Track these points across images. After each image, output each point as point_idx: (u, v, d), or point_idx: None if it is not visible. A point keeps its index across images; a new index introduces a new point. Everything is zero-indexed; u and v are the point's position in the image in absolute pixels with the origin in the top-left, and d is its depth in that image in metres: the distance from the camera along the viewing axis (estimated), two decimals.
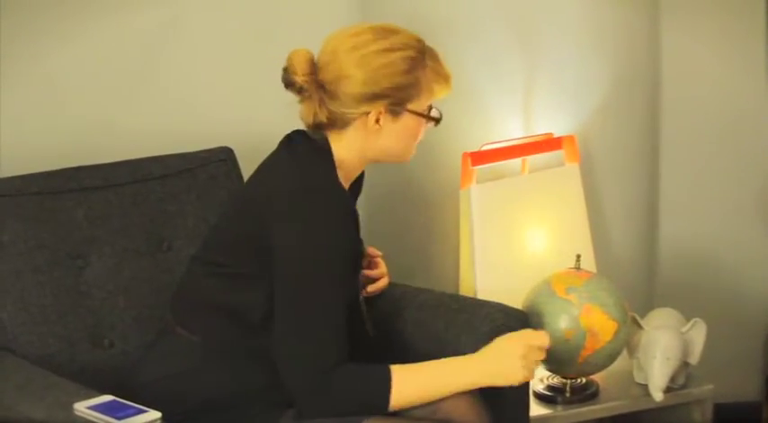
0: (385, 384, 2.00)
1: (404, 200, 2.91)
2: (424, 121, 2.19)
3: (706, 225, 3.22)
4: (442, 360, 2.08)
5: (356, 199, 2.33)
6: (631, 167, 3.11)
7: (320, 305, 2.02)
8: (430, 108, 2.20)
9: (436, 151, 2.83)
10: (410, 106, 2.14)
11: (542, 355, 2.11)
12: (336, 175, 2.13)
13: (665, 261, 3.20)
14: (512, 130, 2.95)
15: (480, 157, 2.75)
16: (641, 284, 3.16)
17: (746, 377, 3.19)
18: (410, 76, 2.13)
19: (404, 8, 2.86)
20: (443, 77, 2.20)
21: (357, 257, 2.21)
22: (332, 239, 2.04)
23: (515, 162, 2.90)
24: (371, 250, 2.38)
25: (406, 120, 2.16)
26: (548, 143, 2.89)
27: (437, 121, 2.21)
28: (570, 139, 2.91)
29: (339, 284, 2.05)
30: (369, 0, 2.86)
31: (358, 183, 2.32)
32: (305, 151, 2.15)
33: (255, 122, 2.66)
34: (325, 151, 2.14)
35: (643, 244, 3.16)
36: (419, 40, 2.17)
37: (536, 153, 2.87)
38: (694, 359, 2.62)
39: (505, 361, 2.06)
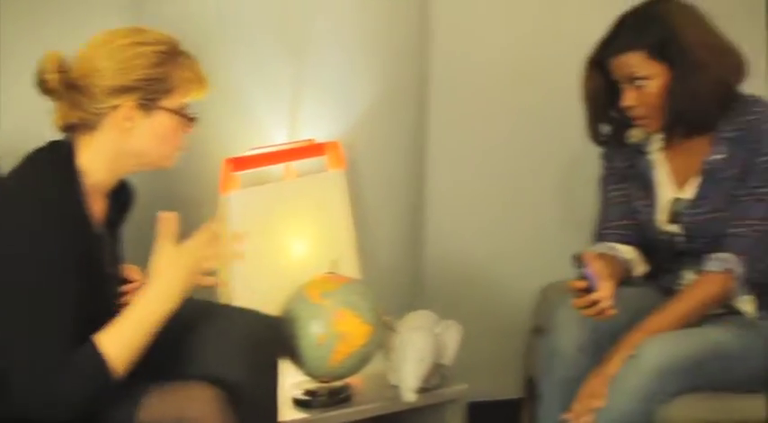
0: (97, 357, 2.02)
1: (166, 206, 2.87)
2: (179, 121, 2.18)
3: (470, 229, 3.30)
4: (132, 304, 2.11)
5: (123, 212, 2.32)
6: (398, 173, 3.17)
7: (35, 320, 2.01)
8: (185, 108, 2.19)
9: (199, 156, 2.82)
10: (163, 103, 2.14)
11: (215, 247, 2.18)
12: (71, 187, 2.10)
13: (430, 264, 3.27)
14: (277, 136, 2.97)
15: (241, 163, 2.75)
16: (407, 288, 3.23)
17: (509, 376, 3.29)
18: (161, 69, 2.13)
19: (175, 11, 2.84)
20: (198, 77, 2.20)
21: (96, 270, 2.18)
22: (36, 250, 2.01)
23: (279, 168, 2.91)
24: (131, 274, 2.37)
25: (160, 118, 2.15)
26: (311, 149, 2.92)
27: (192, 120, 2.21)
28: (334, 144, 2.94)
29: (55, 299, 2.03)
30: (140, 8, 2.83)
31: (123, 195, 2.30)
32: (41, 163, 2.12)
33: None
34: (67, 160, 2.12)
35: (408, 248, 3.23)
36: (172, 39, 2.18)
37: (298, 159, 2.89)
38: (448, 360, 2.68)
39: (180, 275, 2.13)
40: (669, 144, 2.61)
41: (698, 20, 2.52)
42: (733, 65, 2.53)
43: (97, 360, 2.03)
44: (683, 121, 2.51)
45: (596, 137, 2.67)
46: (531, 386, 2.59)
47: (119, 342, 2.06)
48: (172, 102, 2.16)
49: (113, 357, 2.04)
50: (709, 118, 2.51)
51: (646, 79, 2.49)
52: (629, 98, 2.52)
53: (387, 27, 3.07)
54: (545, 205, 3.31)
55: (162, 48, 2.14)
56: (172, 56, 2.16)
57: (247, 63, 2.93)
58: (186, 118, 2.20)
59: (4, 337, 2.01)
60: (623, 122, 2.64)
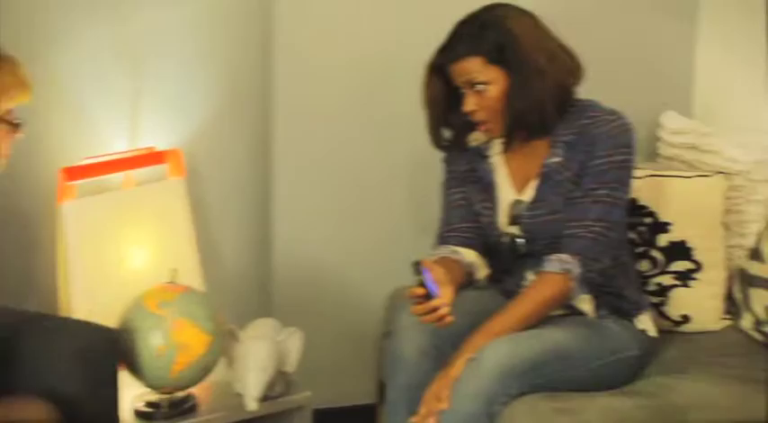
0: None
1: (1, 218, 2.82)
2: (4, 127, 2.13)
3: (319, 235, 3.29)
4: None
5: None
6: (242, 180, 3.16)
7: None
8: (10, 114, 2.14)
9: (36, 166, 2.76)
10: None
11: None
12: None
13: (278, 271, 3.25)
14: (117, 145, 2.92)
15: (77, 172, 2.70)
16: (254, 295, 3.21)
17: (362, 381, 3.29)
18: None
19: (12, 16, 2.78)
20: (21, 82, 2.16)
21: None
22: None
23: (120, 177, 2.86)
24: None
25: None
26: (150, 157, 2.87)
27: (17, 126, 2.16)
28: (174, 153, 2.91)
29: None
30: None
31: None
32: None
33: None
34: None
35: (255, 255, 3.21)
36: None
37: (137, 167, 2.85)
38: (291, 367, 2.67)
39: None
40: (509, 148, 2.65)
41: (535, 25, 2.56)
42: (570, 69, 2.58)
43: None
44: (523, 124, 2.55)
45: (438, 142, 2.70)
46: (383, 391, 2.59)
47: None
48: None
49: None
50: (548, 121, 2.56)
51: (485, 84, 2.52)
52: (469, 103, 2.55)
53: (226, 34, 3.06)
54: (394, 209, 3.32)
55: None
56: None
57: (86, 71, 2.88)
58: (11, 124, 2.15)
59: None
60: (464, 127, 2.67)
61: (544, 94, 2.52)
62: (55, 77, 2.84)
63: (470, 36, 2.52)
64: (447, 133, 2.70)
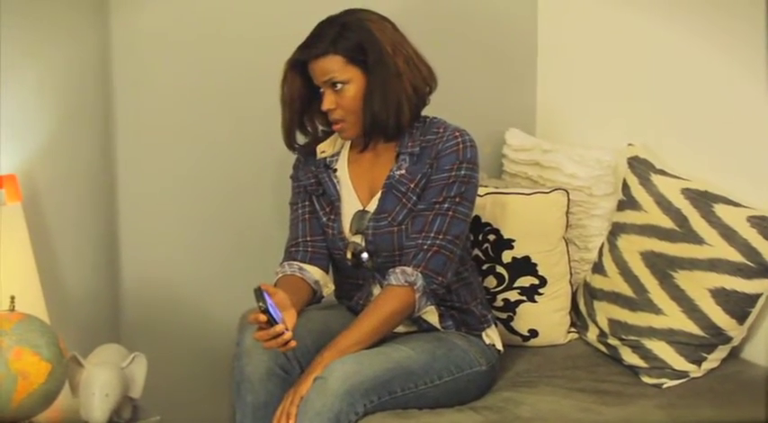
0: None
1: None
2: None
3: (170, 256, 3.25)
4: None
5: None
6: (85, 204, 3.08)
7: None
8: None
9: None
10: None
11: None
12: None
13: (128, 296, 3.20)
14: None
15: None
16: (102, 321, 3.14)
17: (215, 403, 3.24)
18: None
19: None
20: None
21: None
22: None
23: None
24: None
25: None
26: None
27: None
28: (11, 177, 2.82)
29: None
30: None
31: None
32: None
33: None
34: None
35: (102, 280, 3.14)
36: None
37: None
38: (136, 393, 2.62)
39: None
40: (358, 157, 2.69)
41: (394, 30, 2.63)
42: (425, 76, 2.64)
43: None
44: (380, 125, 2.59)
45: (291, 142, 2.72)
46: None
47: None
48: None
49: None
50: (404, 124, 2.61)
51: (344, 84, 2.57)
52: (328, 102, 2.59)
53: (62, 56, 2.98)
54: (243, 228, 3.29)
55: None
56: None
57: None
58: None
59: None
60: (316, 135, 2.72)
61: (401, 96, 2.58)
62: None
63: (332, 35, 2.57)
64: (301, 138, 2.72)
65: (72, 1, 3.02)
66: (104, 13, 3.09)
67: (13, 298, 2.53)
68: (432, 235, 2.56)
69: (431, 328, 2.68)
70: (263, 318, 2.34)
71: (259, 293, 2.33)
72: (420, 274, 2.53)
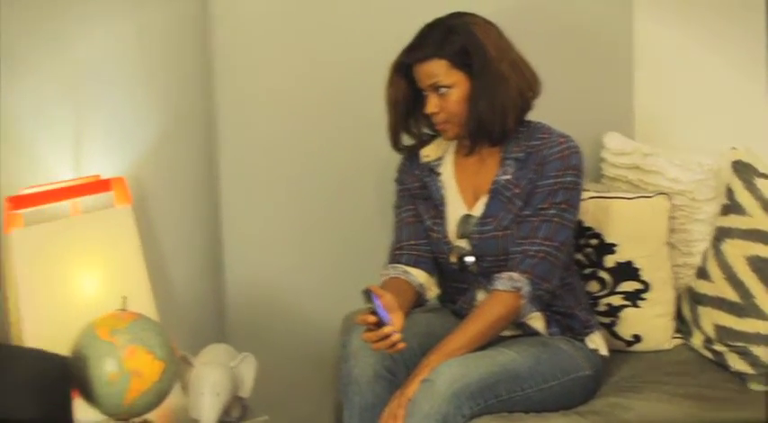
0: None
1: None
2: None
3: (273, 259, 3.29)
4: None
5: None
6: (190, 207, 3.14)
7: None
8: None
9: None
10: None
11: None
12: None
13: (232, 296, 3.25)
14: (61, 173, 2.88)
15: (22, 201, 2.66)
16: (208, 322, 3.19)
17: (319, 404, 3.28)
18: None
19: None
20: None
21: None
22: None
23: (66, 205, 2.83)
24: None
25: None
26: (95, 185, 2.84)
27: None
28: (120, 180, 2.88)
29: None
30: None
31: None
32: None
33: None
34: None
35: (207, 281, 3.19)
36: None
37: (83, 195, 2.81)
38: (245, 392, 2.65)
39: None
40: (463, 161, 2.70)
41: (499, 35, 2.64)
42: (529, 81, 2.64)
43: None
44: (484, 129, 2.59)
45: (396, 143, 2.74)
46: (340, 414, 2.59)
47: None
48: None
49: None
50: (509, 129, 2.60)
51: (448, 88, 2.58)
52: (432, 105, 2.61)
53: (169, 62, 3.04)
54: (346, 231, 3.32)
55: None
56: None
57: (27, 101, 2.85)
58: None
59: None
60: (421, 137, 2.73)
61: (506, 100, 2.58)
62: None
63: (437, 39, 2.58)
64: (406, 140, 2.74)
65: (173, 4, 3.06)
66: (207, 16, 3.13)
67: (125, 298, 2.58)
68: (538, 241, 2.56)
69: (535, 333, 2.68)
70: (371, 319, 2.36)
71: (368, 295, 2.35)
72: (527, 280, 2.54)
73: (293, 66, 3.21)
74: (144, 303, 2.77)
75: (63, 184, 2.78)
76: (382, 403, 2.48)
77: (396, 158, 2.82)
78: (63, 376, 2.28)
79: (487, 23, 2.63)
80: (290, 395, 3.27)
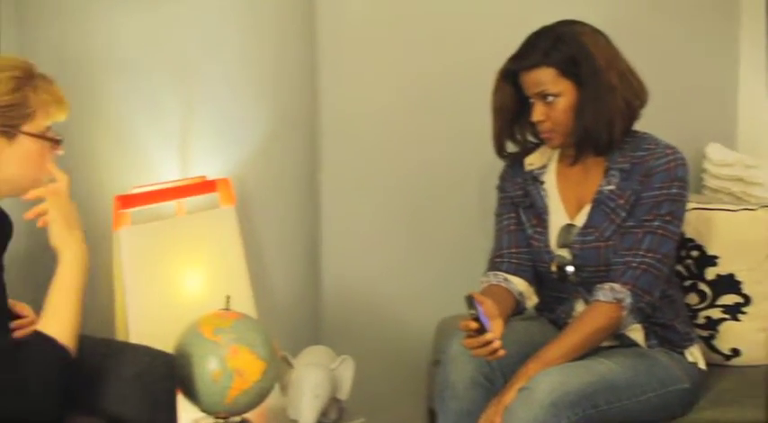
0: (47, 342, 2.06)
1: None
2: (46, 145, 2.17)
3: (368, 262, 3.32)
4: (52, 288, 2.14)
5: (5, 236, 2.30)
6: (291, 208, 3.17)
7: None
8: (48, 131, 2.18)
9: (90, 193, 2.79)
10: (25, 128, 2.13)
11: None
12: None
13: (328, 299, 3.28)
14: (168, 173, 2.95)
15: (130, 200, 2.73)
16: (304, 323, 3.22)
17: (411, 408, 3.30)
18: (17, 94, 2.12)
19: (57, 47, 2.82)
20: (57, 99, 2.19)
21: None
22: None
23: (172, 205, 2.89)
24: (21, 310, 2.35)
25: (25, 143, 2.15)
26: (201, 186, 2.90)
27: (57, 142, 2.20)
28: (225, 181, 2.93)
29: None
30: (26, 46, 2.81)
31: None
32: None
33: None
34: None
35: (305, 283, 3.23)
36: (26, 63, 2.18)
37: (189, 196, 2.88)
38: (344, 394, 2.68)
39: (77, 235, 2.19)
40: (567, 170, 2.69)
41: (607, 44, 2.62)
42: (636, 91, 2.62)
43: (48, 342, 2.05)
44: (591, 139, 2.58)
45: (500, 150, 2.74)
46: (433, 418, 2.61)
47: (55, 320, 2.09)
48: (34, 126, 2.15)
49: (59, 336, 2.06)
50: (615, 139, 2.59)
51: (556, 96, 2.57)
52: (538, 113, 2.60)
53: (274, 64, 3.09)
54: (444, 238, 3.34)
55: (16, 73, 2.13)
56: (28, 80, 2.15)
57: (137, 101, 2.92)
58: (51, 140, 2.19)
59: None
60: (525, 144, 2.73)
61: (614, 110, 2.56)
62: (108, 107, 2.88)
63: (545, 47, 2.57)
64: (511, 147, 2.74)
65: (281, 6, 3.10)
66: (313, 19, 3.16)
67: (228, 297, 2.63)
68: (641, 253, 2.55)
69: (633, 344, 2.66)
70: (473, 325, 2.36)
71: (470, 301, 2.36)
72: (629, 292, 2.52)
73: (397, 71, 3.23)
74: (244, 303, 2.83)
75: (170, 185, 2.84)
76: (478, 410, 2.48)
77: (498, 165, 2.82)
78: (168, 373, 2.32)
79: (596, 32, 2.62)
80: (384, 398, 3.29)
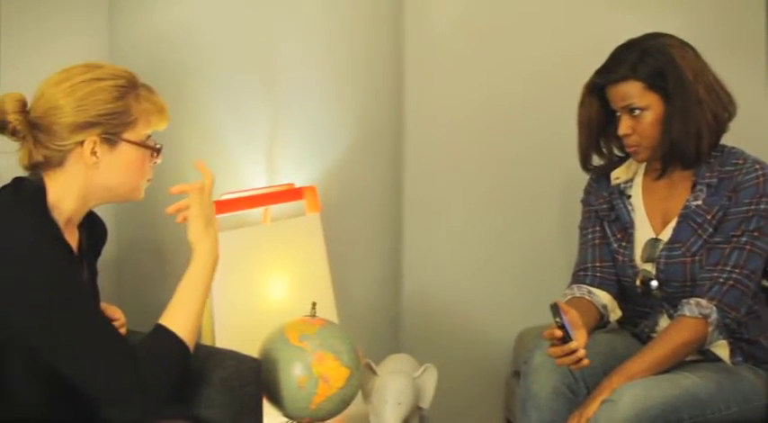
0: (169, 335, 2.12)
1: (149, 249, 2.90)
2: (146, 153, 2.22)
3: (448, 273, 3.34)
4: (182, 282, 2.20)
5: (101, 240, 2.35)
6: (374, 217, 3.21)
7: (91, 341, 2.05)
8: (149, 139, 2.23)
9: (179, 199, 2.83)
10: (126, 135, 2.18)
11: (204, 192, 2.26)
12: (47, 221, 2.11)
13: (408, 308, 3.31)
14: (255, 180, 2.99)
15: (220, 207, 2.77)
16: (385, 331, 3.25)
17: (488, 419, 3.31)
18: (120, 103, 2.16)
19: (150, 53, 2.87)
20: (158, 108, 2.24)
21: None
22: (63, 285, 2.04)
23: (259, 211, 2.94)
24: (113, 313, 2.40)
25: (126, 150, 2.19)
26: (288, 193, 2.94)
27: (157, 151, 2.25)
28: (311, 189, 2.97)
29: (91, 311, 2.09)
30: (115, 51, 2.86)
31: (94, 226, 2.33)
32: (12, 203, 2.12)
33: None
34: (37, 196, 2.13)
35: (386, 291, 3.26)
36: (129, 72, 2.22)
37: (277, 203, 2.92)
38: (426, 403, 2.70)
39: (212, 233, 2.25)
40: (653, 184, 2.68)
41: (695, 57, 2.60)
42: (725, 104, 2.60)
43: (170, 337, 2.12)
44: (678, 152, 2.57)
45: (586, 164, 2.74)
46: None
47: (178, 317, 2.15)
48: (135, 134, 2.19)
49: (180, 332, 2.13)
50: (702, 151, 2.58)
51: (642, 110, 2.57)
52: (624, 127, 2.59)
53: (362, 74, 3.12)
54: (527, 248, 3.35)
55: (120, 82, 2.18)
56: (130, 89, 2.19)
57: (227, 110, 2.97)
58: (151, 148, 2.23)
59: (76, 359, 2.04)
60: (611, 158, 2.73)
61: (702, 124, 2.55)
62: (198, 115, 2.93)
63: (632, 60, 2.57)
64: (596, 160, 2.74)
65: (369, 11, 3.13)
66: (399, 30, 3.19)
67: (314, 304, 2.66)
68: (728, 269, 2.54)
69: (717, 359, 2.65)
70: (558, 333, 2.36)
71: (555, 309, 2.37)
72: (715, 308, 2.51)
73: (481, 83, 3.25)
74: (327, 310, 2.86)
75: (259, 191, 2.88)
76: (560, 421, 2.48)
77: (579, 178, 2.82)
78: (255, 378, 2.35)
79: (684, 45, 2.61)
80: (462, 408, 3.30)
